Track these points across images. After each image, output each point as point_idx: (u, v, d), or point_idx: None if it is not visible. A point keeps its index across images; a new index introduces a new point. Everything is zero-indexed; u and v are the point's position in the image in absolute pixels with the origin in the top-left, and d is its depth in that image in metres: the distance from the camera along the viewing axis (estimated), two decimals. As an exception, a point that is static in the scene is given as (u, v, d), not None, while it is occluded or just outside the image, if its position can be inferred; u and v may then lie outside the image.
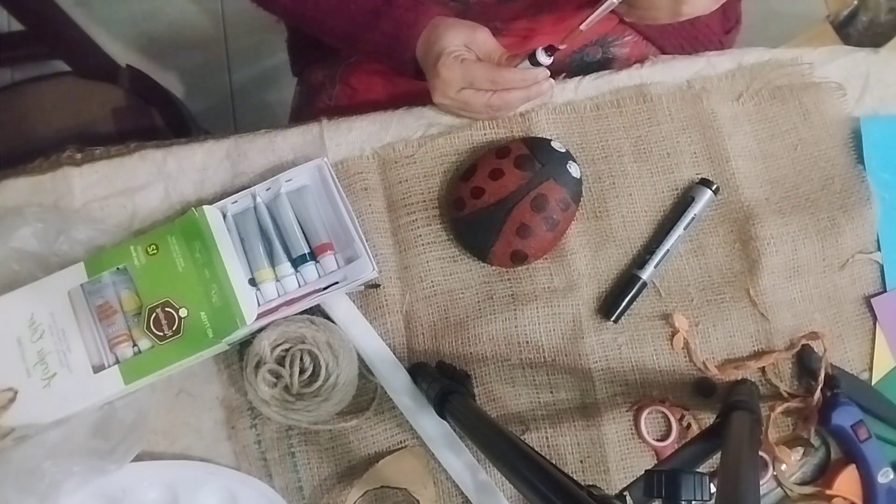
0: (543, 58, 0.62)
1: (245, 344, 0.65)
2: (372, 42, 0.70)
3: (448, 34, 0.65)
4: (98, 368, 0.60)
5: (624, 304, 0.68)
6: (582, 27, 0.65)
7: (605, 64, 0.84)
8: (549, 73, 0.65)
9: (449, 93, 0.66)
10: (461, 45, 0.65)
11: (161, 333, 0.60)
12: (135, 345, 0.61)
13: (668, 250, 0.69)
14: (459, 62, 0.64)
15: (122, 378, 0.60)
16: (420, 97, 0.72)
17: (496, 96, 0.65)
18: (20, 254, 0.63)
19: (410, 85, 0.79)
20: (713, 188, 0.71)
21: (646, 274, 0.69)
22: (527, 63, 0.63)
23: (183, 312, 0.60)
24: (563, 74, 0.74)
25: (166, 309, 0.60)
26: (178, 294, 0.61)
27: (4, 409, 0.59)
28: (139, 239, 0.63)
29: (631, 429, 0.68)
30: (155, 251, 0.62)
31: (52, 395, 0.60)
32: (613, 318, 0.68)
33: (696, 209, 0.70)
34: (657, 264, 0.69)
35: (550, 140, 0.69)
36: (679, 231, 0.70)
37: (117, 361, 0.61)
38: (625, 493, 0.51)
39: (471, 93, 0.65)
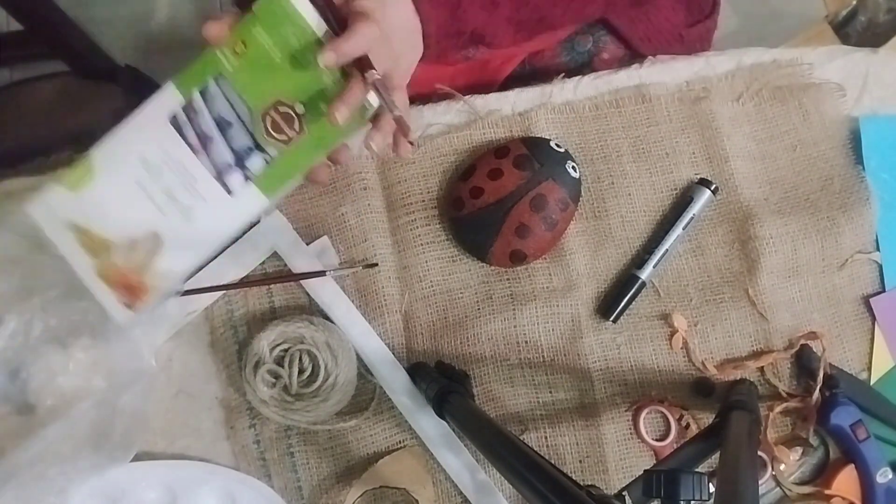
0: None
1: (244, 344, 0.65)
2: None
3: None
4: (233, 190, 0.55)
5: (623, 304, 0.68)
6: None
7: (595, 53, 0.84)
8: None
9: None
10: None
11: (284, 137, 0.54)
12: (263, 154, 0.55)
13: (667, 250, 0.69)
14: None
15: (260, 192, 0.55)
16: (418, 89, 0.72)
17: None
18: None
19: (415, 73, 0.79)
20: (712, 188, 0.71)
21: (644, 274, 0.69)
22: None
23: (299, 108, 0.53)
24: (563, 74, 0.74)
25: (280, 109, 0.53)
26: (288, 89, 0.53)
27: (155, 254, 0.56)
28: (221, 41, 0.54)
29: (630, 429, 0.68)
30: (244, 49, 0.53)
31: (196, 228, 0.55)
32: (612, 318, 0.68)
33: (694, 209, 0.70)
34: (656, 264, 0.69)
35: (549, 140, 0.69)
36: (678, 231, 0.70)
37: (249, 178, 0.55)
38: (624, 493, 0.51)
39: None
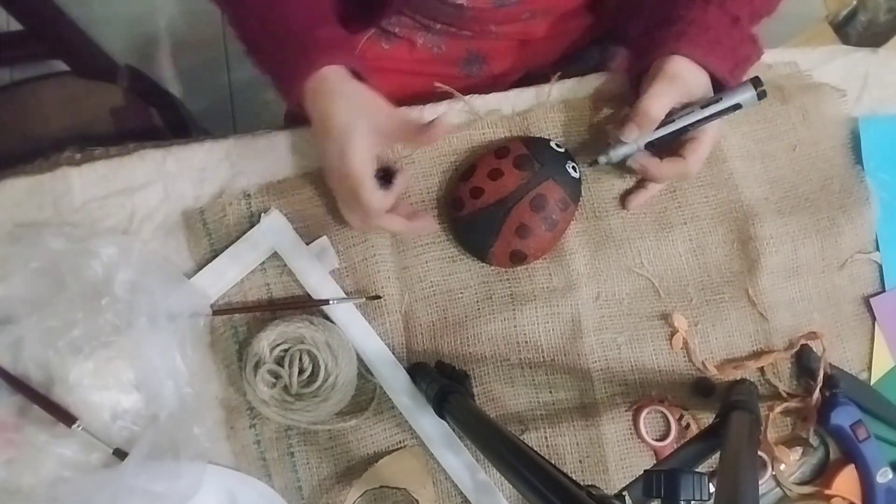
0: None
1: (244, 344, 0.65)
2: (269, 55, 0.63)
3: (357, 136, 0.58)
4: None
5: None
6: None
7: (601, 63, 0.84)
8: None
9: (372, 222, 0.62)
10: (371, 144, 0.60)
11: None
12: None
13: (684, 127, 0.64)
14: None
15: None
16: (422, 96, 0.72)
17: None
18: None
19: (411, 84, 0.79)
20: (759, 89, 0.63)
21: (649, 138, 0.65)
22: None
23: None
24: (559, 74, 0.74)
25: None
26: None
27: None
28: None
29: (630, 429, 0.68)
30: None
31: None
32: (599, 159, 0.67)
33: (733, 99, 0.63)
34: (666, 135, 0.65)
35: (549, 140, 0.69)
36: (702, 114, 0.63)
37: None
38: (624, 493, 0.51)
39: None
